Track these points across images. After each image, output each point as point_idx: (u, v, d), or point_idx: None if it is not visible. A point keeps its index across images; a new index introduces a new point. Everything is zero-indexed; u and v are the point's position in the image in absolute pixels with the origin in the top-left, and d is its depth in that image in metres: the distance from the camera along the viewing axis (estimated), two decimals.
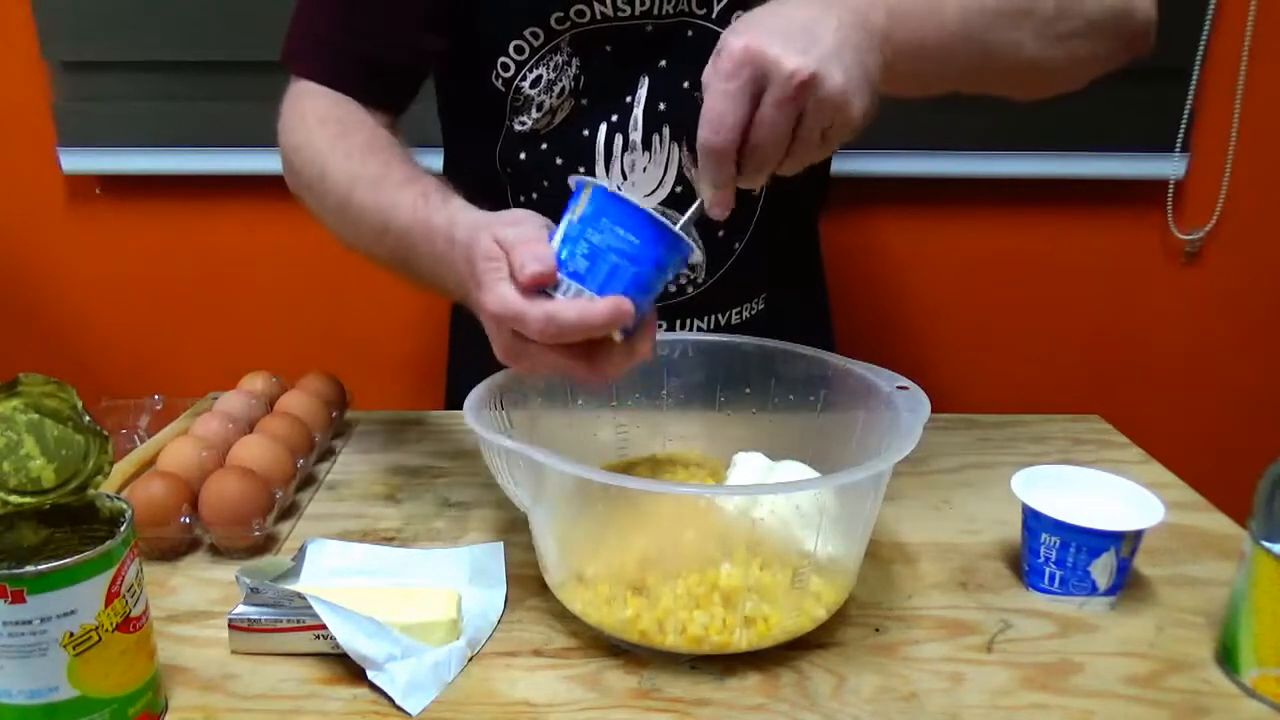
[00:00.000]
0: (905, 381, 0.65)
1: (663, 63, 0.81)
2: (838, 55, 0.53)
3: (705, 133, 0.54)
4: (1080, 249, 1.47)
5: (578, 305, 0.54)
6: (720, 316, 0.90)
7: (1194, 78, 1.35)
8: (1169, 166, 1.40)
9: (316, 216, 0.79)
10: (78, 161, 1.38)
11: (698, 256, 0.54)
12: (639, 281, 0.55)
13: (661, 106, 0.81)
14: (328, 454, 0.84)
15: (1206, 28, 1.33)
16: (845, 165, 1.35)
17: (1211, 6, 1.32)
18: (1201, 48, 1.33)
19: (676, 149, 0.83)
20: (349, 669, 0.54)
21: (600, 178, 0.82)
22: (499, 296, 0.55)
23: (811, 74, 0.52)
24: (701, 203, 0.58)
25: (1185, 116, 1.37)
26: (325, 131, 0.77)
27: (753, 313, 0.92)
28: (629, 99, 0.81)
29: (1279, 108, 1.39)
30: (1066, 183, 1.41)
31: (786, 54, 0.52)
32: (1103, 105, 1.36)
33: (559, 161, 0.84)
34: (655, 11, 0.79)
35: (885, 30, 0.57)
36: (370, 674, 0.54)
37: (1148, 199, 1.43)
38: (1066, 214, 1.44)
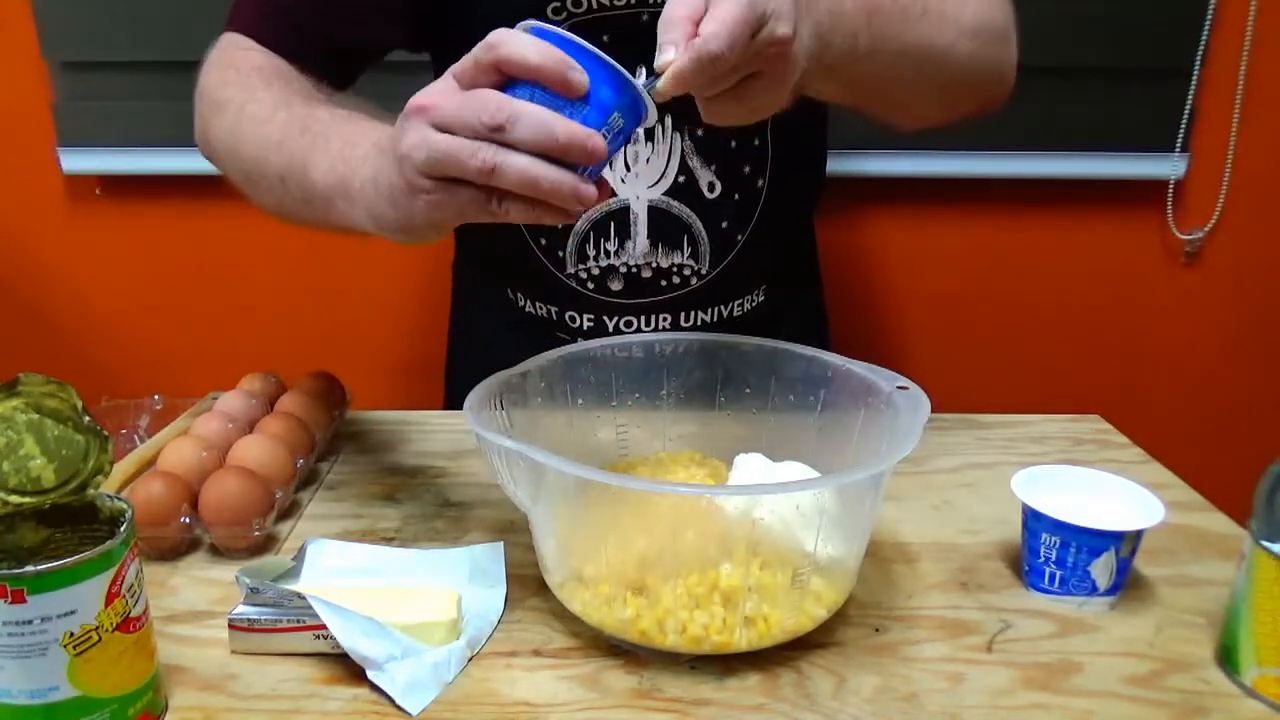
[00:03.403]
0: (905, 381, 0.65)
1: None
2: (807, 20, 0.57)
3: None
4: (1080, 249, 1.47)
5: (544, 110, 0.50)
6: (723, 308, 0.91)
7: (1194, 78, 1.35)
8: (1169, 166, 1.40)
9: (225, 153, 0.75)
10: (78, 161, 1.38)
11: (652, 118, 0.56)
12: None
13: None
14: (328, 454, 0.84)
15: (1206, 28, 1.33)
16: (844, 165, 1.36)
17: (1211, 6, 1.32)
18: (1201, 48, 1.33)
19: (679, 139, 0.83)
20: (349, 669, 0.54)
21: (604, 171, 0.82)
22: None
23: (790, 38, 0.54)
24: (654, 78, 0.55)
25: (1185, 116, 1.37)
26: (260, 76, 0.75)
27: (753, 305, 0.92)
28: None
29: (1279, 108, 1.39)
30: (1066, 183, 1.41)
31: (784, 17, 0.54)
32: (1103, 105, 1.36)
33: None
34: (651, 0, 0.79)
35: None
36: (370, 674, 0.54)
37: (1148, 199, 1.43)
38: (1066, 214, 1.44)
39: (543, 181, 0.51)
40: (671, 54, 0.52)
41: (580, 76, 0.51)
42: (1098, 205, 1.44)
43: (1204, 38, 1.33)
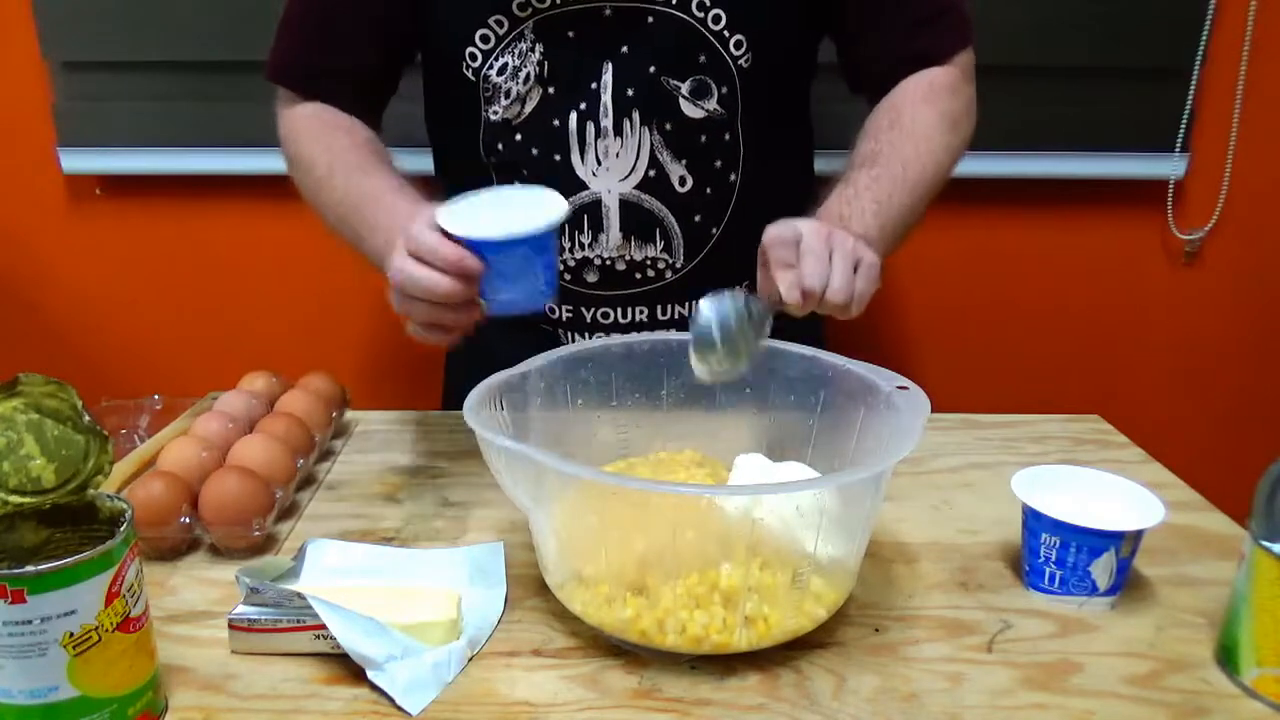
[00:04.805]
0: (905, 381, 0.65)
1: (625, 49, 0.83)
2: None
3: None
4: (1080, 249, 1.46)
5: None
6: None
7: (1194, 78, 1.35)
8: (1169, 166, 1.40)
9: (313, 208, 0.88)
10: (78, 161, 1.38)
11: (564, 210, 0.69)
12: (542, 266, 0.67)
13: (629, 92, 0.83)
14: (328, 454, 0.84)
15: (1206, 28, 1.33)
16: (842, 165, 1.35)
17: (1211, 6, 1.32)
18: (1201, 48, 1.33)
19: (648, 133, 0.84)
20: (349, 669, 0.55)
21: (575, 165, 0.85)
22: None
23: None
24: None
25: (1185, 116, 1.37)
26: (310, 128, 0.88)
27: None
28: (594, 85, 0.83)
29: (1279, 108, 1.39)
30: (1066, 183, 1.41)
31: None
32: (1103, 105, 1.36)
33: (534, 152, 0.86)
34: None
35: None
36: (370, 674, 0.54)
37: (1148, 199, 1.43)
38: (1066, 214, 1.44)
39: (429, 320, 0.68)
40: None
41: (473, 263, 0.65)
42: (1098, 205, 1.44)
43: (1204, 38, 1.33)
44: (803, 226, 0.68)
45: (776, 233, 0.68)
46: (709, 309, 0.67)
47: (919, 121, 0.84)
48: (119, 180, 1.41)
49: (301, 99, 0.90)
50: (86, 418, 0.49)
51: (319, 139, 0.87)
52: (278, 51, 0.91)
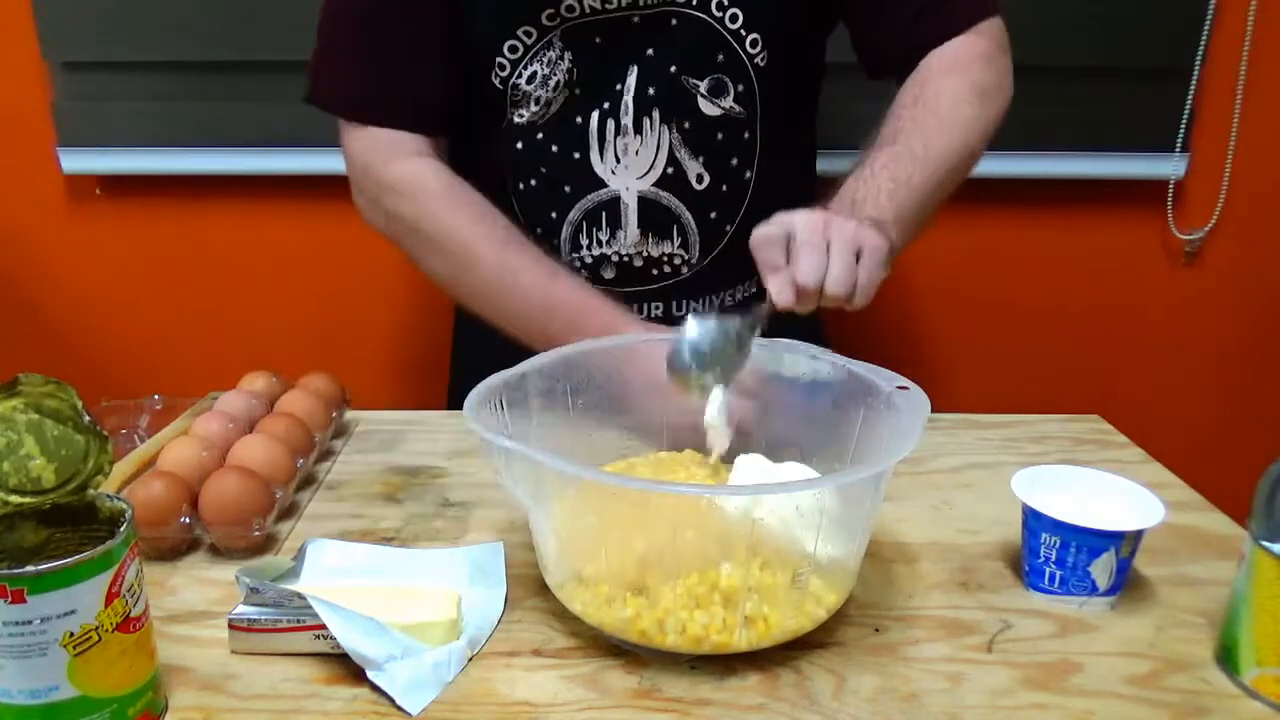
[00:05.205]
0: (905, 381, 0.64)
1: (650, 51, 0.83)
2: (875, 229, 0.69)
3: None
4: (1080, 249, 1.47)
5: None
6: (713, 297, 0.92)
7: (1194, 78, 1.35)
8: (1169, 166, 1.40)
9: (435, 279, 0.89)
10: (78, 161, 1.38)
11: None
12: None
13: (650, 91, 0.84)
14: (328, 454, 0.84)
15: (1206, 28, 1.33)
16: (843, 165, 1.35)
17: (1211, 6, 1.32)
18: (1201, 48, 1.33)
19: (667, 131, 0.84)
20: (349, 669, 0.54)
21: (595, 163, 0.86)
22: None
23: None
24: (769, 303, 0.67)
25: (1185, 116, 1.37)
26: (450, 209, 0.85)
27: (746, 295, 0.94)
28: (619, 87, 0.84)
29: (1279, 108, 1.39)
30: (1066, 183, 1.41)
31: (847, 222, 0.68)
32: (1103, 105, 1.36)
33: (554, 149, 0.87)
34: (640, 2, 0.81)
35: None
36: (370, 674, 0.54)
37: (1148, 199, 1.43)
38: (1066, 214, 1.44)
39: None
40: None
41: None
42: (1098, 205, 1.44)
43: (1204, 38, 1.33)
44: (795, 220, 0.66)
45: (763, 232, 0.66)
46: (689, 333, 0.67)
47: (944, 95, 0.82)
48: (119, 180, 1.41)
49: (394, 134, 0.87)
50: (86, 418, 0.49)
51: (472, 227, 0.85)
52: (357, 85, 0.87)
